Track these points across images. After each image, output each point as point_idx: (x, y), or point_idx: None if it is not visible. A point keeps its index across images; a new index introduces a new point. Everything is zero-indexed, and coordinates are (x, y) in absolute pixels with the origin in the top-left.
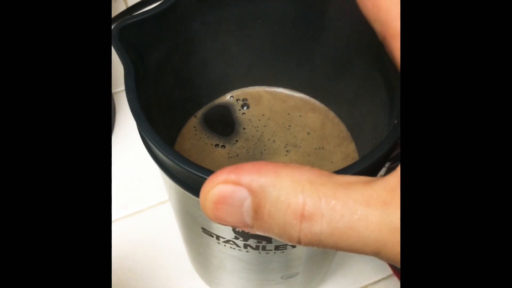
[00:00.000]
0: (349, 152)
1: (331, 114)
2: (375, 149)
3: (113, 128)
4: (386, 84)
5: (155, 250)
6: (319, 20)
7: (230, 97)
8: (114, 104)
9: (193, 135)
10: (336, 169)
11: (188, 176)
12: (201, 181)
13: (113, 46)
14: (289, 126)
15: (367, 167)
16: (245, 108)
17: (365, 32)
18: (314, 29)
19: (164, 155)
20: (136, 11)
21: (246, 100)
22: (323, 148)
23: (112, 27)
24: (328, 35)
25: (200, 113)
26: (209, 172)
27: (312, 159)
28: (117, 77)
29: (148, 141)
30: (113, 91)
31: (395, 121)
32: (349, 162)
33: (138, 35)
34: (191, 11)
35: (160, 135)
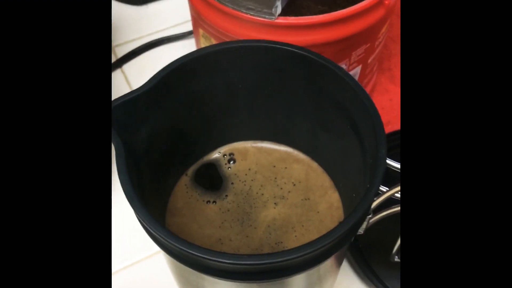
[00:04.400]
0: (333, 202)
1: (314, 164)
2: (349, 216)
3: None
4: (361, 145)
5: None
6: (298, 86)
7: (218, 153)
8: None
9: (185, 193)
10: (322, 219)
11: (185, 255)
12: (197, 259)
13: None
14: (275, 178)
15: (348, 229)
16: (231, 162)
17: (340, 98)
18: (294, 93)
19: (160, 236)
20: (126, 62)
21: (233, 154)
22: (308, 198)
23: None
24: (307, 98)
25: (190, 170)
26: (205, 250)
27: (299, 210)
28: None
29: (144, 223)
30: None
31: (368, 185)
32: (333, 211)
33: (128, 113)
34: (176, 84)
35: (153, 213)
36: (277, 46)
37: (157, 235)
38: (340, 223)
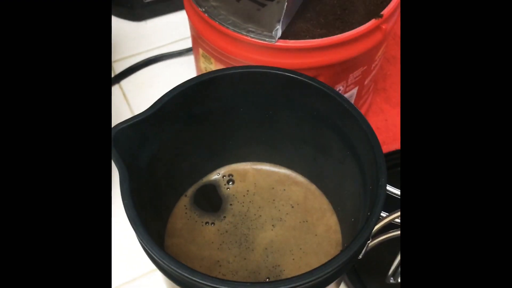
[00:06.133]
0: (331, 224)
1: (313, 187)
2: (350, 244)
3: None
4: (361, 170)
5: None
6: (297, 111)
7: (217, 174)
8: None
9: (184, 214)
10: (320, 241)
11: (185, 280)
12: (195, 283)
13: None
14: (274, 200)
15: (349, 258)
16: (230, 183)
17: (341, 125)
18: (293, 117)
19: (160, 260)
20: (124, 78)
21: (232, 176)
22: (306, 221)
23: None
24: (307, 123)
25: (190, 191)
26: (202, 275)
27: (297, 233)
28: None
29: (145, 246)
30: None
31: (368, 213)
32: (331, 234)
33: (130, 137)
34: (179, 108)
35: (153, 234)
36: (277, 72)
37: (160, 261)
38: (341, 252)
